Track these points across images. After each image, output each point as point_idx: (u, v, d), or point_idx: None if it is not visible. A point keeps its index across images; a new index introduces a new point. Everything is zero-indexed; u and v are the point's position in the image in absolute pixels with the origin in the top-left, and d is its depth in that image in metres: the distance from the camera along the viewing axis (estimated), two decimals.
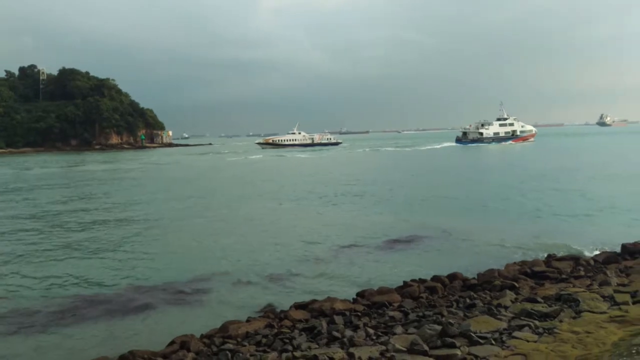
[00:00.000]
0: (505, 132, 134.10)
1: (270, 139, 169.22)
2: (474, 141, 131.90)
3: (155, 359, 10.58)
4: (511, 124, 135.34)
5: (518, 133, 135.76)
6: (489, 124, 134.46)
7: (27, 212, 35.86)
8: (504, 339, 9.70)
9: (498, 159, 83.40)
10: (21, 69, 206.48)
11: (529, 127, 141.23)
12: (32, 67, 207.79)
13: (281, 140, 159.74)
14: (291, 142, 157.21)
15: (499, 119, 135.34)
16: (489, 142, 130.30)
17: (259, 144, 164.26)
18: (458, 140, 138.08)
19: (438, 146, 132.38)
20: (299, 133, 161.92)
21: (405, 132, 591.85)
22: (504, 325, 10.55)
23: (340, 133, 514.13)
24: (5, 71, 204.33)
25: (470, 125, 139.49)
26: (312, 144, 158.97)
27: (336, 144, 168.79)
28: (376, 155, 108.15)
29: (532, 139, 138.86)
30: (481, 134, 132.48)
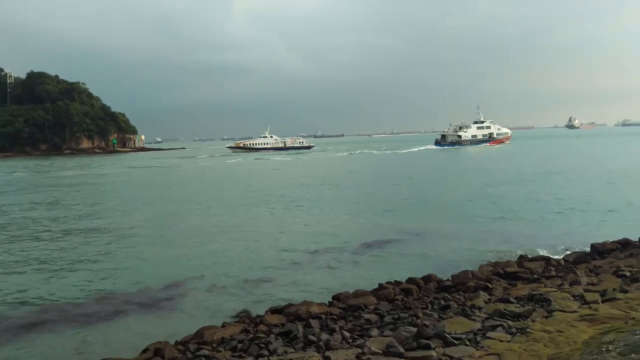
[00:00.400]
0: (483, 135, 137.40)
1: (242, 142, 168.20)
2: (452, 144, 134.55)
3: None
4: (488, 127, 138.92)
5: (494, 136, 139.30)
6: (467, 127, 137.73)
7: None
8: (478, 339, 9.80)
9: (476, 161, 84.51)
10: None
11: (504, 130, 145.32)
12: None
13: (253, 144, 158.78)
14: (263, 146, 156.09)
15: (476, 122, 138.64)
16: (468, 145, 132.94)
17: (230, 147, 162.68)
18: (437, 143, 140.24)
19: (416, 149, 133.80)
20: (271, 137, 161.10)
21: (376, 135, 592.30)
22: (478, 325, 10.66)
23: (316, 136, 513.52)
24: None
25: (448, 128, 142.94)
26: (284, 148, 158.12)
27: (308, 147, 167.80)
28: (356, 158, 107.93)
29: (507, 142, 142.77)
30: (460, 136, 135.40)
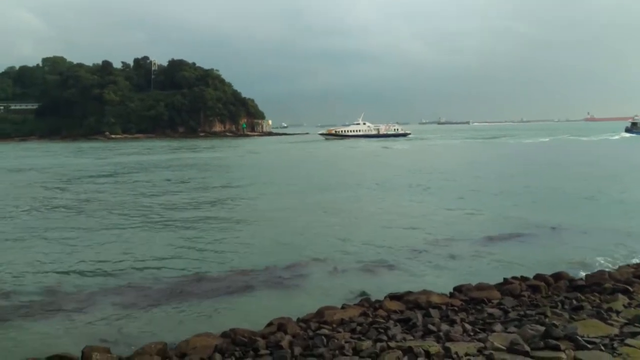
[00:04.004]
0: None
1: (334, 129, 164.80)
2: None
3: (255, 338, 11.00)
4: None
5: None
6: None
7: (136, 194, 38.64)
8: (615, 345, 9.08)
9: None
10: (135, 61, 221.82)
11: None
12: (145, 58, 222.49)
13: (345, 131, 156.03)
14: (355, 133, 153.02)
15: None
16: None
17: (322, 134, 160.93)
18: (629, 130, 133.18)
19: (605, 137, 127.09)
20: (364, 124, 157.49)
21: (476, 123, 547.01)
22: (615, 331, 9.86)
23: (439, 123, 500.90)
24: (122, 62, 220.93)
25: (638, 115, 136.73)
26: (378, 135, 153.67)
27: (404, 135, 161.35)
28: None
29: None
30: None
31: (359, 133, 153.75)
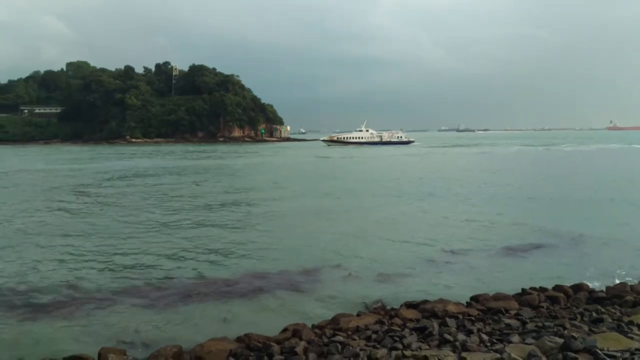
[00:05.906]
0: None
1: (336, 136, 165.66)
2: None
3: (269, 344, 11.01)
4: None
5: None
6: None
7: (158, 197, 39.01)
8: (636, 359, 8.89)
9: None
10: (157, 66, 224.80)
11: None
12: (167, 63, 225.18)
13: (347, 138, 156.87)
14: (357, 140, 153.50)
15: None
16: None
17: (324, 140, 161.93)
18: None
19: None
20: (367, 130, 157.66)
21: (491, 131, 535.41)
22: (636, 344, 9.65)
23: (458, 130, 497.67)
24: (144, 68, 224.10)
25: None
26: (380, 143, 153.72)
27: (407, 142, 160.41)
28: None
29: None
30: None
31: (361, 140, 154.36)
